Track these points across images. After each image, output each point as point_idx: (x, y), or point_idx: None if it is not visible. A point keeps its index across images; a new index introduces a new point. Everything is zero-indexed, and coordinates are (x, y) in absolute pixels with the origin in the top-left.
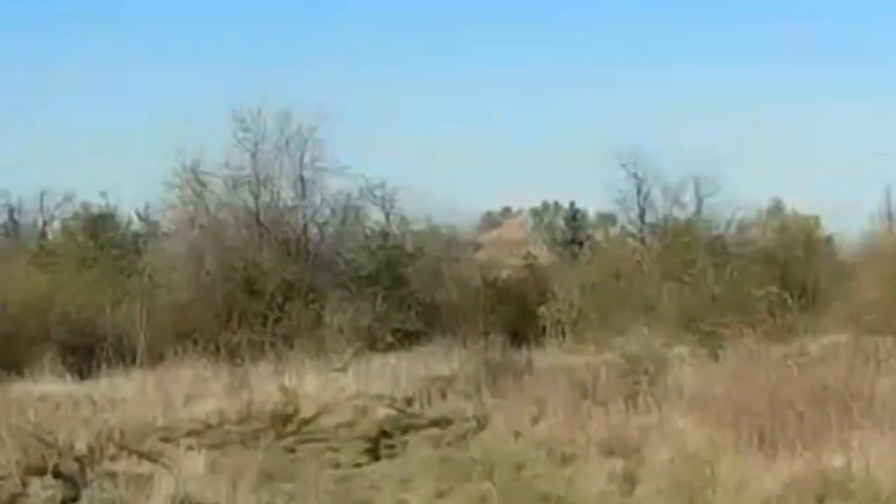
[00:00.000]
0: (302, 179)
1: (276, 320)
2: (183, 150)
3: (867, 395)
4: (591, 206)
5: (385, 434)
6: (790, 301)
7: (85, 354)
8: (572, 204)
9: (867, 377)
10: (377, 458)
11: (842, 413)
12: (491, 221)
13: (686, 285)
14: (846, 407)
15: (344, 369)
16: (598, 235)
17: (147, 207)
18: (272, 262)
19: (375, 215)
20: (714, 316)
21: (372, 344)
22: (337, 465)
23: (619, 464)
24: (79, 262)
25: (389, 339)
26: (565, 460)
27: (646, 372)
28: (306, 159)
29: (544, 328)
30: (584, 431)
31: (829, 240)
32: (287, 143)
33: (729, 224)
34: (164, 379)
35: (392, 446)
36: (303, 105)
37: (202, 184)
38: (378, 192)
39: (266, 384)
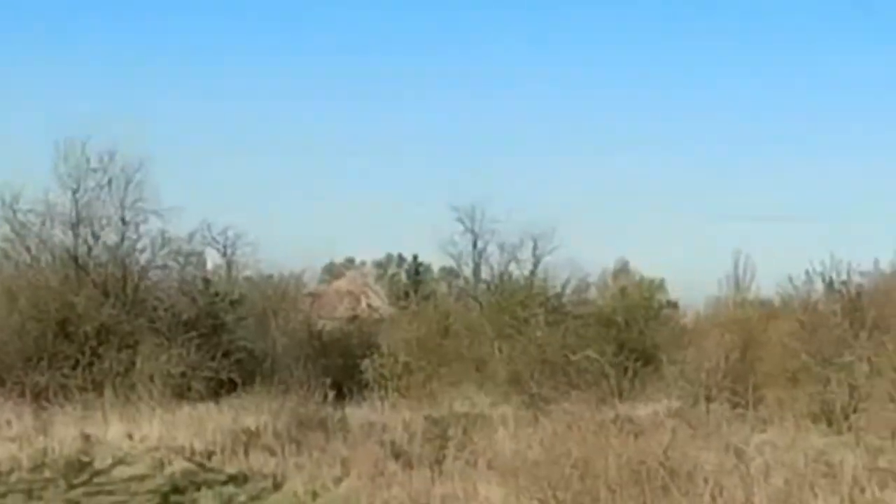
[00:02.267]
0: (124, 220)
1: (88, 364)
2: (1, 184)
3: (688, 470)
4: (437, 260)
5: (178, 490)
6: (608, 366)
7: None
8: (415, 257)
9: (692, 449)
10: None
11: (659, 489)
12: (333, 272)
13: (517, 344)
14: (664, 482)
15: None
16: (442, 289)
17: None
18: (88, 305)
19: (212, 260)
20: (543, 377)
21: (183, 392)
22: None
23: None
24: None
25: (200, 387)
26: None
27: (464, 432)
28: (129, 199)
29: (367, 383)
30: (385, 497)
31: (673, 304)
32: (110, 182)
33: (566, 284)
34: None
35: None
36: (129, 143)
37: (20, 221)
38: (219, 237)
39: (69, 430)
